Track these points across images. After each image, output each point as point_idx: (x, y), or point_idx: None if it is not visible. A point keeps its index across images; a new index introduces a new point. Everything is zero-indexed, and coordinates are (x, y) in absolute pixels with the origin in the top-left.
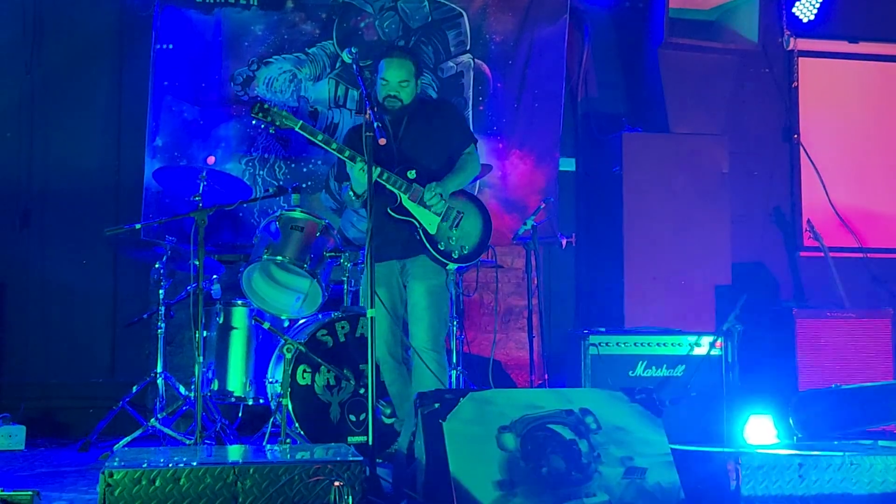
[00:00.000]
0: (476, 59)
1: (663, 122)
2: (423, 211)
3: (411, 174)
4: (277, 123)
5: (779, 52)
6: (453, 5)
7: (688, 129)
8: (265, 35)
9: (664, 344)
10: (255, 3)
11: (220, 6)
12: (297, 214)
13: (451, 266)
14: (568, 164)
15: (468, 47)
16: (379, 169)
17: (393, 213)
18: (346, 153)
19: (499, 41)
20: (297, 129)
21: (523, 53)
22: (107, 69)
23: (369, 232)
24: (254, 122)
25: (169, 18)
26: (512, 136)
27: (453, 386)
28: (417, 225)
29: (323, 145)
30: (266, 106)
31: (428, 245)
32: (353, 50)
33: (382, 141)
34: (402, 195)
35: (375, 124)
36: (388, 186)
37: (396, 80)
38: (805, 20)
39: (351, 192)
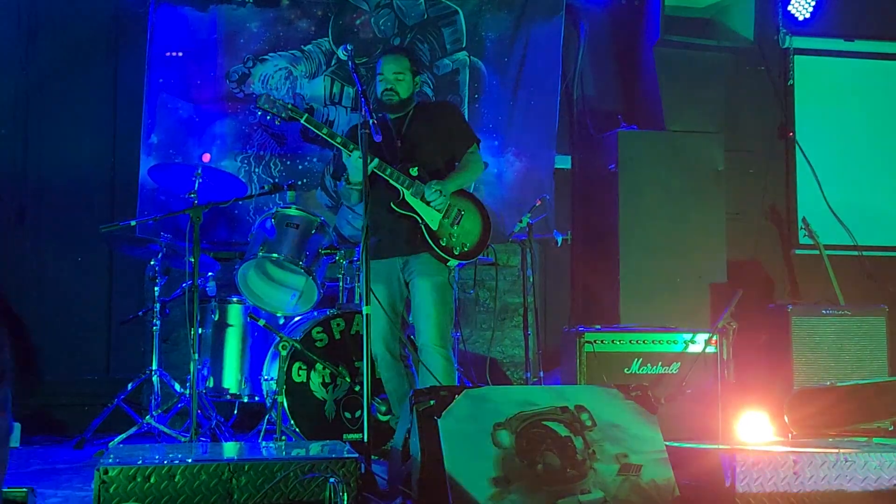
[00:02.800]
0: (472, 57)
1: (659, 119)
2: (424, 207)
3: (414, 171)
4: (283, 116)
5: (774, 49)
6: (449, 2)
7: (683, 126)
8: (261, 32)
9: (659, 341)
10: (251, 1)
11: (215, 3)
12: (293, 212)
13: (452, 263)
14: (564, 162)
15: (464, 45)
16: (382, 164)
17: (396, 208)
18: (351, 146)
19: (494, 38)
20: (302, 121)
21: (519, 51)
22: (102, 66)
23: (365, 229)
24: (259, 113)
25: (164, 16)
26: (508, 133)
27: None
28: (420, 221)
29: (327, 138)
30: (272, 98)
31: (430, 241)
32: (349, 47)
33: (378, 138)
34: (404, 190)
35: (371, 121)
36: (391, 181)
37: (391, 73)
38: (801, 18)
39: (346, 184)
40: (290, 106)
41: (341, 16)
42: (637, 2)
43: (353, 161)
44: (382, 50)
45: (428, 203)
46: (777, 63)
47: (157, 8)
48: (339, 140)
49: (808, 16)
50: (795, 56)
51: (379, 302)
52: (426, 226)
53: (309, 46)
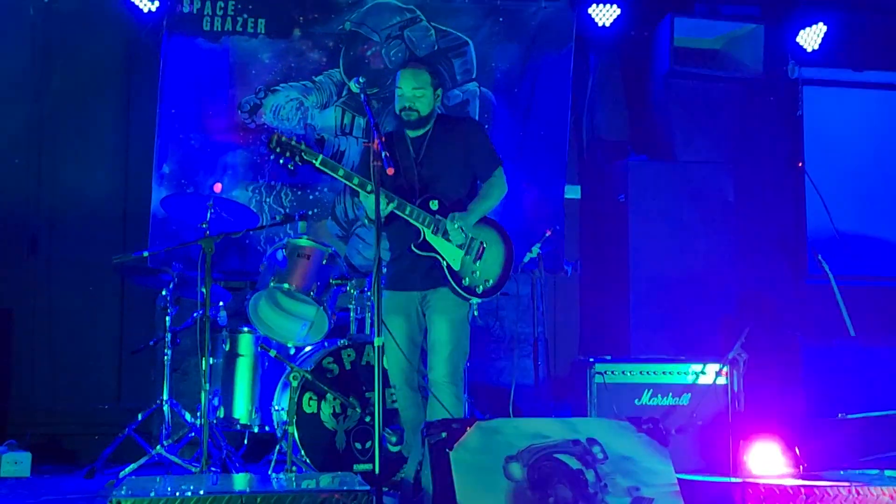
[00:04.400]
0: (482, 87)
1: (668, 150)
2: (446, 245)
3: (434, 204)
4: (297, 160)
5: (783, 80)
6: (459, 34)
7: (693, 157)
8: (272, 63)
9: (670, 372)
10: (263, 32)
11: (227, 35)
12: (304, 242)
13: (475, 301)
14: (573, 192)
15: (474, 75)
16: (401, 203)
17: (417, 251)
18: (369, 187)
19: (504, 69)
20: (317, 164)
21: (529, 81)
22: (115, 97)
23: (376, 261)
24: (272, 157)
25: (177, 47)
26: (518, 163)
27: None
28: (441, 261)
29: (344, 181)
30: (284, 139)
31: (452, 281)
32: (361, 80)
33: (391, 171)
34: (425, 230)
35: (384, 154)
36: (412, 221)
37: (410, 89)
38: (809, 49)
39: (366, 220)
40: (303, 147)
41: (352, 47)
42: (647, 33)
43: (371, 202)
44: (403, 62)
45: (449, 239)
46: (786, 94)
47: (171, 39)
48: (356, 181)
49: (816, 47)
50: (804, 87)
51: (391, 335)
52: (448, 266)
53: (320, 77)
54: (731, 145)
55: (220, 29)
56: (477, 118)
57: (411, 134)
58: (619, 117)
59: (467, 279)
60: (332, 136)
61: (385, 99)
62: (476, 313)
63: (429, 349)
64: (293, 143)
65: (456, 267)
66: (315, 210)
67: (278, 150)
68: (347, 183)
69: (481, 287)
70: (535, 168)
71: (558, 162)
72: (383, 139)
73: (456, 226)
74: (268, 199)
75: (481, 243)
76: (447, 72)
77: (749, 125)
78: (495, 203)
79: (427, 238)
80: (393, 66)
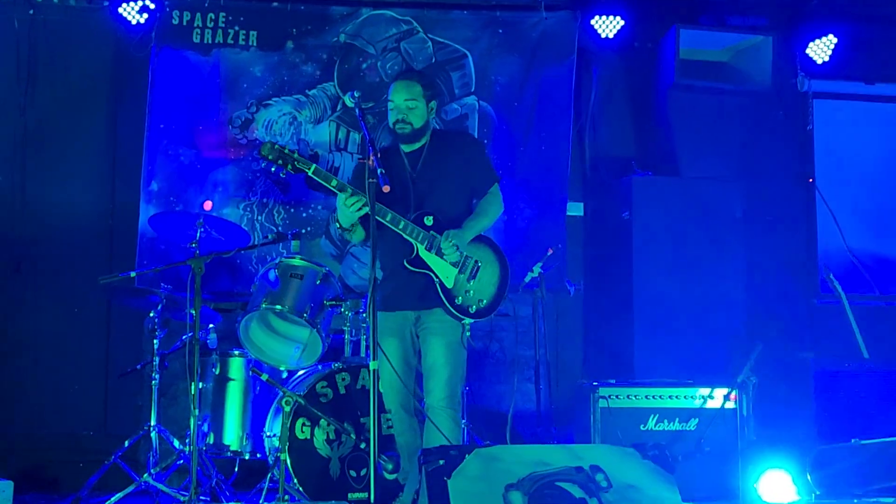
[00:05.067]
0: (481, 101)
1: (674, 165)
2: (439, 262)
3: (429, 220)
4: (289, 168)
5: (793, 93)
6: (457, 46)
7: (699, 172)
8: (264, 76)
9: (676, 396)
10: (255, 44)
11: (218, 47)
12: (297, 262)
13: (468, 321)
14: (576, 209)
15: (473, 89)
16: (395, 217)
17: (409, 267)
18: (349, 191)
19: (504, 83)
20: (309, 173)
21: (530, 95)
22: (102, 111)
23: (372, 282)
24: (263, 164)
25: (166, 60)
26: (518, 179)
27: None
28: (434, 278)
29: (337, 191)
30: (277, 146)
31: (444, 300)
32: (356, 94)
33: (386, 188)
34: (418, 245)
35: (380, 171)
36: (405, 236)
37: (402, 101)
38: (819, 61)
39: (337, 225)
40: (296, 156)
41: (347, 60)
42: (651, 45)
43: (341, 204)
44: (395, 75)
45: (443, 257)
46: (796, 107)
47: (160, 51)
48: (349, 193)
49: (826, 59)
50: (815, 100)
51: (387, 357)
52: (441, 283)
53: (314, 91)
54: (739, 161)
55: (210, 41)
56: (476, 133)
57: (406, 149)
58: (622, 132)
59: (460, 298)
60: (326, 152)
61: (381, 114)
62: (468, 334)
63: (425, 373)
64: (286, 151)
65: (449, 285)
66: (308, 228)
67: (270, 157)
68: (341, 194)
69: (474, 307)
70: (537, 184)
71: (560, 178)
72: (378, 155)
73: (451, 243)
74: (259, 217)
75: (476, 262)
76: (445, 85)
77: (757, 140)
78: (491, 221)
79: (420, 254)
80: (389, 79)
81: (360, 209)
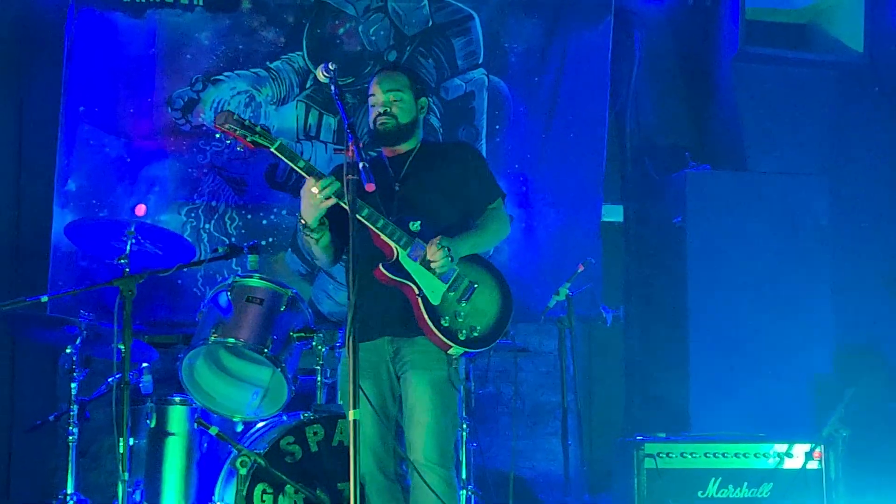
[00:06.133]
0: (491, 76)
1: (740, 157)
2: (424, 274)
3: (415, 226)
4: (248, 140)
5: (892, 63)
6: (461, 5)
7: (773, 166)
8: (214, 45)
9: (745, 454)
10: (201, 4)
11: (154, 7)
12: (255, 282)
13: (455, 351)
14: (614, 214)
15: (481, 60)
16: (373, 213)
17: (386, 272)
18: (336, 186)
19: (521, 51)
20: (273, 149)
21: (554, 67)
22: (3, 90)
23: (352, 306)
24: (217, 135)
25: (87, 24)
26: (539, 176)
27: None
28: (417, 292)
29: (305, 174)
30: (236, 115)
31: (428, 318)
32: (332, 67)
33: (370, 187)
34: (400, 250)
35: (361, 164)
36: (384, 236)
37: (385, 91)
38: None
39: (302, 223)
40: (259, 129)
41: (319, 23)
42: (709, 2)
43: (310, 188)
44: (373, 69)
45: (429, 268)
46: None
47: (78, 14)
48: (318, 175)
49: None
50: None
51: (370, 401)
52: (424, 298)
53: (277, 63)
54: (824, 151)
55: (144, 0)
56: (485, 117)
57: (389, 154)
58: (673, 115)
59: (447, 319)
60: (292, 141)
61: (362, 92)
62: (455, 366)
63: (406, 421)
64: (247, 122)
65: (434, 301)
66: (270, 239)
67: (227, 126)
68: (310, 177)
69: (464, 333)
70: (563, 182)
71: (593, 174)
72: (361, 145)
73: (440, 247)
74: (207, 225)
75: (471, 282)
76: (445, 55)
77: (847, 124)
78: (494, 240)
79: (401, 259)
80: (373, 47)
81: (329, 197)
